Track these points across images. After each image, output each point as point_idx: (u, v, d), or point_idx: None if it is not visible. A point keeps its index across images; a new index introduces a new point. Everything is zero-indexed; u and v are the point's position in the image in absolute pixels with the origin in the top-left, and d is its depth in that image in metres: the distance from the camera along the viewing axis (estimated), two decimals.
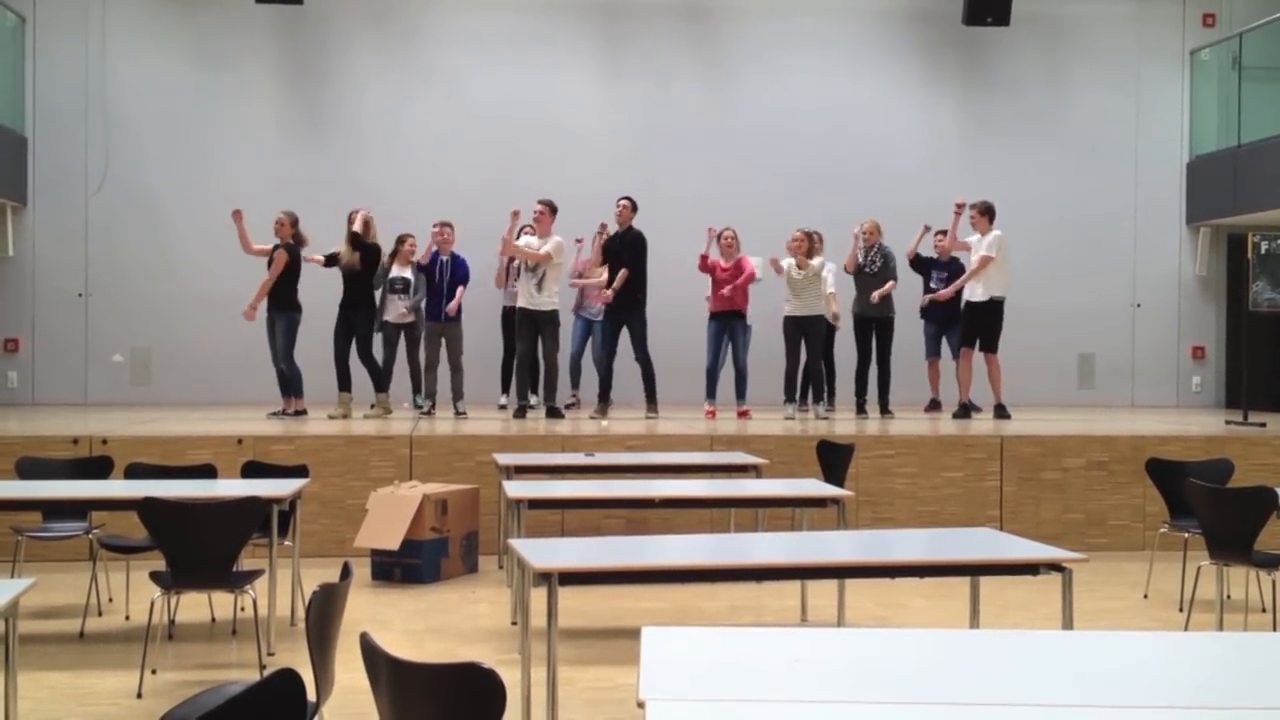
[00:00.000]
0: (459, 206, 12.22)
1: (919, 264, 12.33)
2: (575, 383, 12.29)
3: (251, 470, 7.66)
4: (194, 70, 13.54)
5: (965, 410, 11.74)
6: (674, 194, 13.16)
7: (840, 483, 8.00)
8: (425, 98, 13.72)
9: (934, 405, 12.47)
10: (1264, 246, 11.45)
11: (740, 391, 11.57)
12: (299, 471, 7.57)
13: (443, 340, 11.46)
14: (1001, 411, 11.60)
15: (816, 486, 7.61)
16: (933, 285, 12.22)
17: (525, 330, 11.02)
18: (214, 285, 13.05)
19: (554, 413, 11.01)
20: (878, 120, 14.12)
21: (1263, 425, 10.90)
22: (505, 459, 8.38)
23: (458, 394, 11.46)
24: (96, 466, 7.73)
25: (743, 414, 11.34)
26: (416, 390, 11.67)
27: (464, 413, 11.27)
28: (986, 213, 11.50)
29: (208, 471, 7.58)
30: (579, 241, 12.27)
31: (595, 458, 8.73)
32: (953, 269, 12.18)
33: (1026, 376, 13.73)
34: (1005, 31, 13.70)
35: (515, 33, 13.83)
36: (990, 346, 11.58)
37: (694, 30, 14.10)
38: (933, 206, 13.06)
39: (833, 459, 8.50)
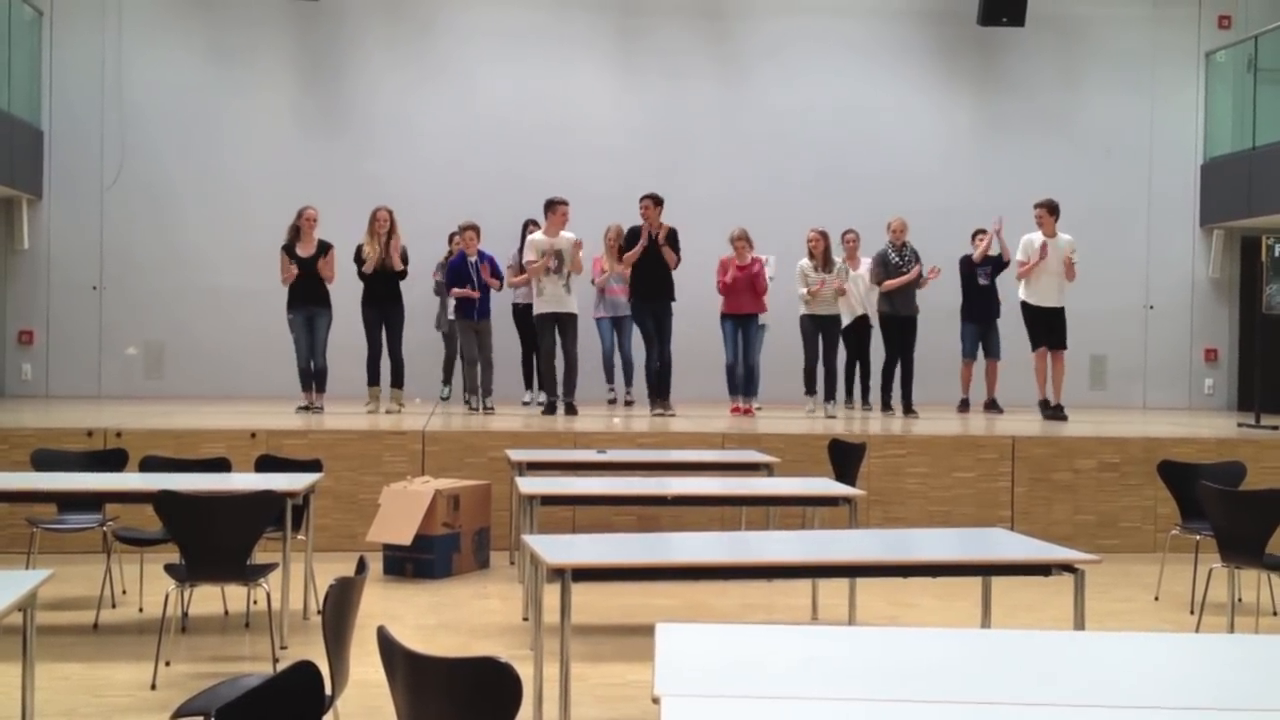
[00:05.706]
0: (472, 202, 12.23)
1: (967, 264, 12.33)
2: (610, 378, 12.31)
3: (265, 464, 7.69)
4: (209, 64, 13.58)
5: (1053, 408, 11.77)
6: (687, 192, 13.15)
7: (852, 482, 8.00)
8: (439, 93, 13.73)
9: (963, 405, 12.44)
10: (1277, 249, 11.42)
11: (750, 389, 11.63)
12: (313, 466, 7.61)
13: (477, 336, 11.49)
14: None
15: (828, 485, 7.62)
16: (981, 282, 12.21)
17: (550, 329, 11.08)
18: (228, 279, 13.13)
19: (572, 409, 11.08)
20: (892, 120, 14.09)
21: (1275, 428, 10.86)
22: (518, 455, 8.39)
23: (488, 390, 11.48)
24: (111, 459, 7.76)
25: (747, 411, 11.38)
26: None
27: (492, 408, 11.32)
28: (1054, 211, 11.74)
29: (222, 465, 7.60)
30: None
31: (608, 454, 8.74)
32: (997, 265, 12.24)
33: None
34: (1020, 32, 13.67)
35: (529, 28, 13.84)
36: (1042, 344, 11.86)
37: (709, 28, 14.09)
38: (947, 206, 13.09)
39: (844, 458, 8.50)
